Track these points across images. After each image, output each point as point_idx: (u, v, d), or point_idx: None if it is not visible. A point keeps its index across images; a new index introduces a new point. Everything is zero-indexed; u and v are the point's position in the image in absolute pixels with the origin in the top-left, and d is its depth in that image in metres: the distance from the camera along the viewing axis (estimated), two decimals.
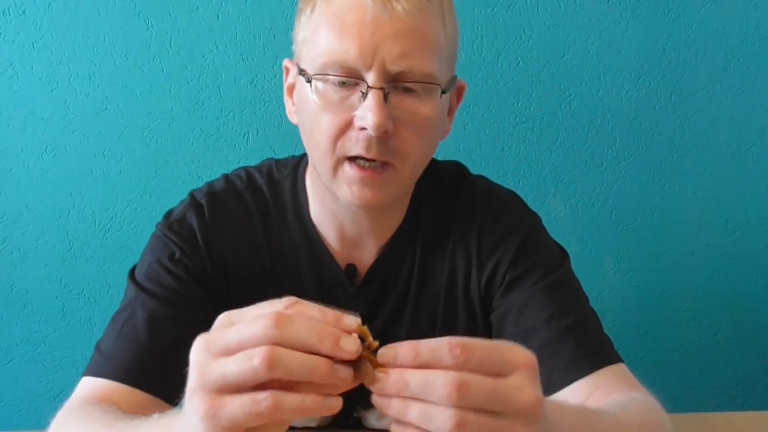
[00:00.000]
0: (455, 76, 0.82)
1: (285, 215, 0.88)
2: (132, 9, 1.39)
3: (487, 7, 1.41)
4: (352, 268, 0.87)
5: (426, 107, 0.74)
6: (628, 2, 1.42)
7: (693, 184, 1.48)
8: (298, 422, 0.97)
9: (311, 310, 0.47)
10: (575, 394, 0.77)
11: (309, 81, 0.75)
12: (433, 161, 0.93)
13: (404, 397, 0.45)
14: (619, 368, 0.80)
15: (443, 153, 1.43)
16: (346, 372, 0.45)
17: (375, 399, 0.46)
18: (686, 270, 1.51)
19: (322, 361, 0.44)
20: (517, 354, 0.47)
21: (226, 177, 0.91)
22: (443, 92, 0.75)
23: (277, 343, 0.44)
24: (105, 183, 1.44)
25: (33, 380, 1.50)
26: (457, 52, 0.82)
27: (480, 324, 0.87)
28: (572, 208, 1.48)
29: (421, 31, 0.72)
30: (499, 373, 0.45)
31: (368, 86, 0.72)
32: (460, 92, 0.85)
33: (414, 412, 0.44)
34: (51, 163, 1.43)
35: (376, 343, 0.46)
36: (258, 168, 0.92)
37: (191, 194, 0.89)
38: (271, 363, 0.43)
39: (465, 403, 0.43)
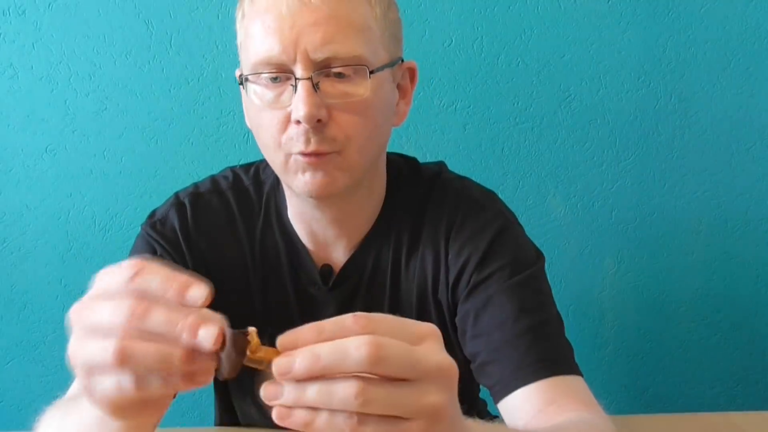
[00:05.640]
0: (401, 58, 0.82)
1: (269, 215, 0.89)
2: (132, 9, 1.39)
3: (487, 7, 1.41)
4: (327, 269, 0.87)
5: (360, 89, 0.74)
6: (628, 2, 1.41)
7: (693, 184, 1.48)
8: None
9: (155, 278, 0.43)
10: (525, 403, 0.75)
11: (245, 83, 0.77)
12: (417, 162, 0.94)
13: (298, 381, 0.41)
14: (575, 381, 0.77)
15: (443, 152, 1.44)
16: (207, 362, 0.42)
17: (266, 389, 0.42)
18: (686, 270, 1.51)
19: (176, 355, 0.41)
20: (422, 326, 0.45)
21: (212, 177, 0.92)
22: (371, 72, 0.75)
23: (130, 336, 0.42)
24: (105, 183, 1.44)
25: (33, 380, 1.50)
26: (400, 32, 0.82)
27: (450, 327, 0.86)
28: (572, 208, 1.48)
29: (342, 15, 0.73)
30: (409, 343, 0.43)
31: (296, 78, 0.72)
32: (412, 74, 0.85)
33: (312, 389, 0.41)
34: (51, 163, 1.43)
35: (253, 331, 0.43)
36: (245, 168, 0.93)
37: (176, 194, 0.90)
38: (123, 357, 0.41)
39: (381, 367, 0.41)
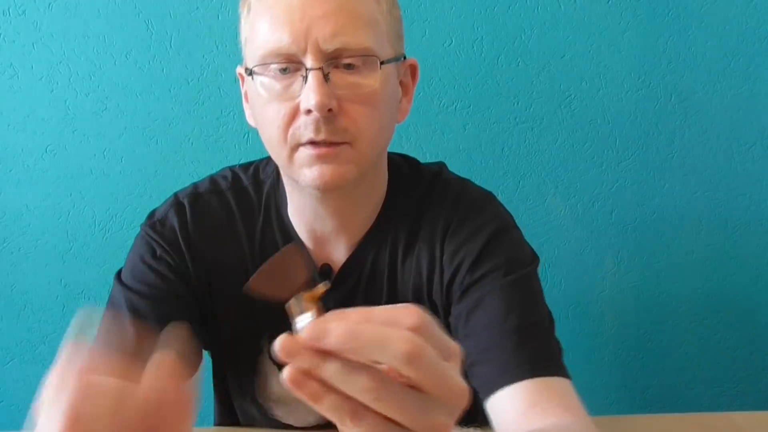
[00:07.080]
0: (404, 55, 0.83)
1: (268, 215, 0.89)
2: (132, 9, 1.39)
3: (487, 7, 1.41)
4: (327, 268, 0.87)
5: (369, 80, 0.75)
6: (628, 2, 1.41)
7: (693, 184, 1.48)
8: (297, 422, 0.97)
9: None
10: (508, 404, 0.75)
11: (252, 75, 0.77)
12: (417, 162, 0.94)
13: (321, 352, 0.39)
14: (561, 383, 0.77)
15: (443, 153, 1.44)
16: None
17: (285, 342, 0.39)
18: (686, 270, 1.51)
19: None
20: (454, 344, 0.44)
21: (211, 177, 0.92)
22: (382, 63, 0.76)
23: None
24: (105, 183, 1.44)
25: (33, 380, 1.48)
26: (402, 30, 0.83)
27: (444, 328, 0.87)
28: (572, 208, 1.48)
29: (351, 8, 0.74)
30: (442, 355, 0.42)
31: (307, 69, 0.73)
32: (413, 71, 0.86)
33: (332, 366, 0.39)
34: (51, 163, 1.43)
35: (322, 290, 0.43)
36: (244, 168, 0.93)
37: (175, 194, 0.90)
38: None
39: (412, 369, 0.39)
